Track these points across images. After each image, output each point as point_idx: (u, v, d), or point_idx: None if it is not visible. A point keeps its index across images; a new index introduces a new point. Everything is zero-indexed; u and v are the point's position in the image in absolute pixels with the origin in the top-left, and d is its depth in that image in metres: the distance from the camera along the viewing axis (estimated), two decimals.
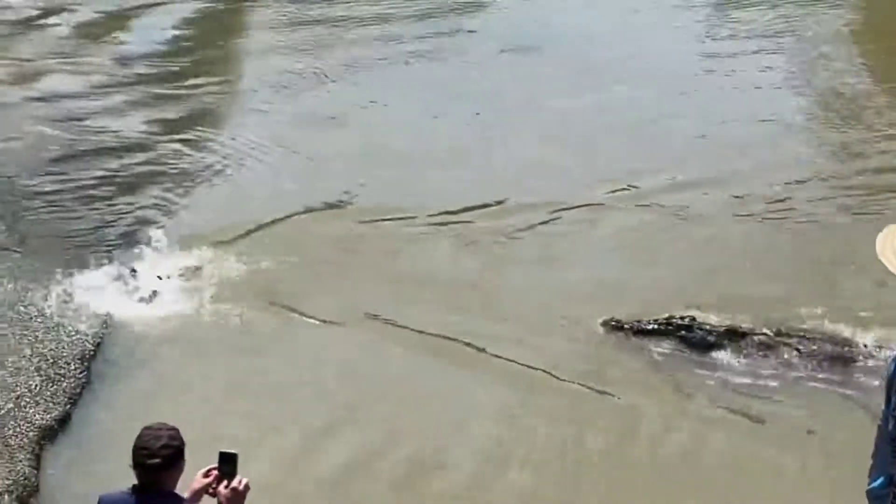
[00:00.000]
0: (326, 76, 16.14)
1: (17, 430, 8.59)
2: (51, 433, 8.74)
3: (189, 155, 13.65)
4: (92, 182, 12.78)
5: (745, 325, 10.28)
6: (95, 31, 17.66)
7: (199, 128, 14.49)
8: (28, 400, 8.93)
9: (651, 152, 13.70)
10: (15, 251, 11.24)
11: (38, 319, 10.01)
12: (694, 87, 15.81)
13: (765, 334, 10.20)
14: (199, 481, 5.31)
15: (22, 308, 10.15)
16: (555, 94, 15.36)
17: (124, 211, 12.23)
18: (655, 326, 10.29)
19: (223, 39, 17.95)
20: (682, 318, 10.30)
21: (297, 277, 11.15)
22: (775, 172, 13.18)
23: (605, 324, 10.36)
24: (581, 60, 16.57)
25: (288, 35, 17.83)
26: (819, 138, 14.34)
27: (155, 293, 10.67)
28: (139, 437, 5.26)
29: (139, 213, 12.21)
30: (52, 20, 17.99)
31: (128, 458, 5.34)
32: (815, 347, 10.07)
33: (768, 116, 14.78)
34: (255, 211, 12.33)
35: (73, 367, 9.43)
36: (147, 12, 18.72)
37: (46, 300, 10.35)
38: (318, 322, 10.48)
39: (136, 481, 5.26)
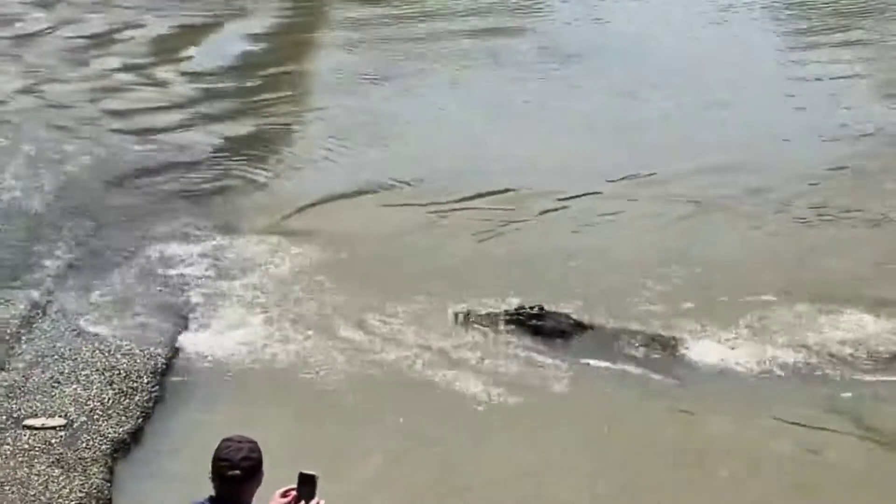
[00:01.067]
0: (386, 84, 16.21)
1: (91, 442, 8.61)
2: (123, 446, 8.74)
3: (259, 167, 13.68)
4: (164, 195, 12.81)
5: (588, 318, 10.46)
6: (167, 46, 17.80)
7: (270, 141, 14.54)
8: (101, 413, 8.95)
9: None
10: (89, 263, 11.30)
11: (111, 333, 10.04)
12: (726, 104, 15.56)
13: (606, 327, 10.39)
14: (276, 501, 5.24)
15: (95, 322, 10.18)
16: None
17: (196, 225, 12.25)
18: (507, 317, 10.40)
19: (293, 54, 18.01)
20: (531, 307, 10.41)
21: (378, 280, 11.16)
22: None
23: (456, 316, 10.41)
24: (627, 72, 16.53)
25: (356, 49, 17.87)
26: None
27: (228, 306, 10.65)
28: (219, 449, 5.21)
29: (211, 228, 12.21)
30: (125, 35, 18.16)
31: (200, 471, 5.30)
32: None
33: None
34: (329, 221, 12.39)
35: (145, 381, 9.44)
36: (217, 28, 18.85)
37: (120, 313, 10.38)
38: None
39: (211, 492, 5.21)
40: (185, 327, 10.39)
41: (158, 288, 10.96)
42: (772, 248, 12.06)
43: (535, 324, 10.36)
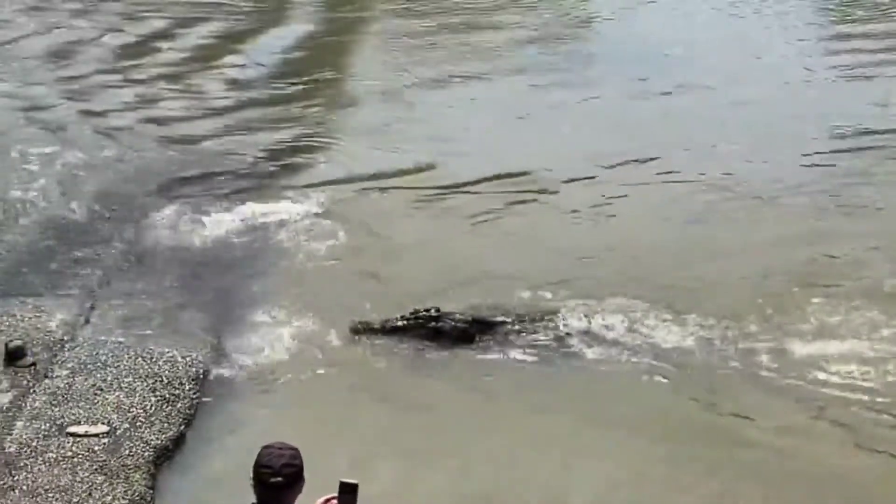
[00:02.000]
0: (424, 91, 16.21)
1: (133, 449, 8.63)
2: (166, 453, 8.75)
3: (299, 173, 13.70)
4: (204, 203, 12.84)
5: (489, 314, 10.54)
6: (206, 54, 17.85)
7: (308, 148, 14.56)
8: (143, 420, 8.97)
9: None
10: (132, 271, 11.35)
11: (153, 340, 10.07)
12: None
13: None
14: None
15: (137, 329, 10.21)
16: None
17: (237, 232, 12.27)
18: (404, 323, 10.40)
19: (332, 61, 18.02)
20: (426, 310, 10.43)
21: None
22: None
23: (353, 328, 10.40)
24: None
25: (396, 56, 17.87)
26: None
27: (270, 312, 10.66)
28: (260, 456, 5.20)
29: (251, 235, 12.23)
30: (163, 44, 18.23)
31: (242, 477, 5.29)
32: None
33: None
34: (369, 225, 12.39)
35: (187, 388, 9.46)
36: (256, 36, 18.88)
37: (161, 320, 10.41)
38: None
39: (253, 499, 5.20)
40: (227, 333, 10.40)
41: (200, 294, 10.99)
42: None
43: (434, 325, 10.38)
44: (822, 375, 9.87)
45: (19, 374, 9.52)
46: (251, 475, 5.17)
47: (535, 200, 13.06)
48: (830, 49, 17.88)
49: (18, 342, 9.73)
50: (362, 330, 10.41)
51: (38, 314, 10.19)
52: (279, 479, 5.11)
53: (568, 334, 10.41)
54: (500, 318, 10.53)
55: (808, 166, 13.76)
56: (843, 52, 17.55)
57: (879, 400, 9.57)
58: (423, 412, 9.46)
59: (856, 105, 15.40)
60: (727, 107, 15.47)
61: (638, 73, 16.66)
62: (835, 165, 13.77)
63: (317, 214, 12.75)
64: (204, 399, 9.48)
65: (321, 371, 9.98)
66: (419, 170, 13.81)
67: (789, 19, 19.29)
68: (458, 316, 10.45)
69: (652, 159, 13.93)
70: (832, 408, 9.47)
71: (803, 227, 12.31)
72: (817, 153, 14.06)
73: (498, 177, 13.50)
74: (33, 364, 9.58)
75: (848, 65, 16.91)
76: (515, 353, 10.25)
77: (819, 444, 9.10)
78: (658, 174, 13.56)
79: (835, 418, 9.37)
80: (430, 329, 10.35)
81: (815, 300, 10.84)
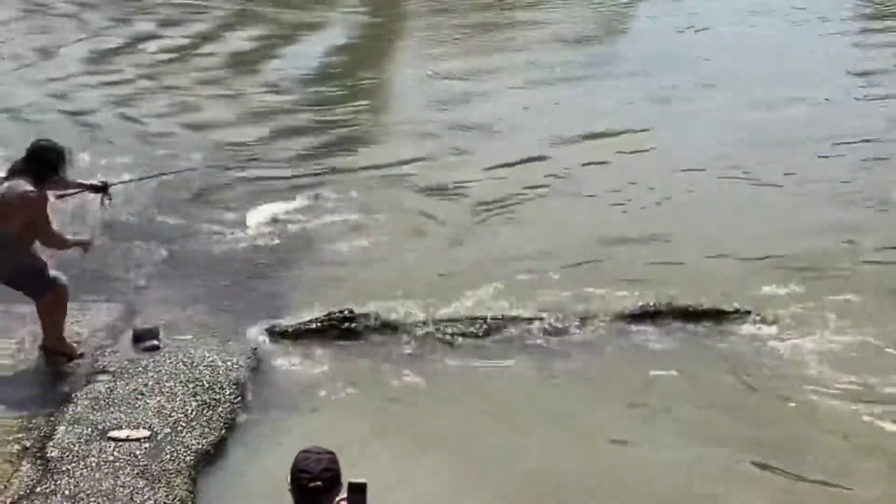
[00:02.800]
0: (465, 93, 16.18)
1: (174, 454, 8.62)
2: (207, 458, 8.75)
3: (343, 180, 13.70)
4: (246, 208, 12.86)
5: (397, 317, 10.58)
6: (247, 58, 17.92)
7: (351, 152, 14.56)
8: (184, 425, 8.97)
9: None
10: (173, 276, 11.37)
11: (194, 344, 10.08)
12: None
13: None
14: None
15: (178, 333, 10.23)
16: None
17: (279, 236, 12.27)
18: (318, 325, 10.41)
19: (374, 65, 18.05)
20: (340, 311, 10.45)
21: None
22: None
23: (268, 332, 10.38)
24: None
25: (438, 61, 17.86)
26: None
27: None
28: (298, 460, 5.22)
29: (294, 240, 12.23)
30: (204, 49, 18.30)
31: (283, 482, 5.28)
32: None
33: None
34: (413, 231, 12.45)
35: (228, 392, 9.45)
36: (297, 40, 18.96)
37: (203, 325, 10.43)
38: None
39: None
40: (268, 338, 10.40)
41: (241, 299, 11.00)
42: None
43: (347, 326, 10.42)
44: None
45: (142, 355, 9.78)
46: (288, 480, 5.17)
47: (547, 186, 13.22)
48: None
49: (147, 325, 10.05)
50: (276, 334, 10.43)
51: (79, 319, 10.21)
52: (318, 483, 5.12)
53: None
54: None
55: None
56: None
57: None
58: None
59: None
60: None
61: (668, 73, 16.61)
62: None
63: (359, 218, 12.75)
64: (244, 404, 9.47)
65: (363, 377, 9.96)
66: (468, 176, 13.80)
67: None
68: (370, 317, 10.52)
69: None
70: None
71: None
72: None
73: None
74: (157, 347, 9.83)
75: None
76: None
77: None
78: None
79: None
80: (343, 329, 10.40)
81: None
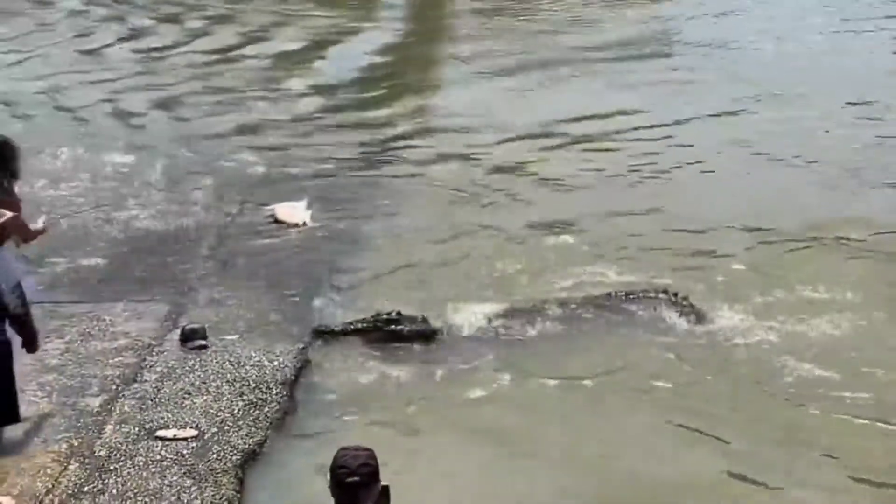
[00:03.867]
0: (510, 97, 16.16)
1: (221, 454, 8.64)
2: (253, 457, 8.76)
3: (388, 182, 13.70)
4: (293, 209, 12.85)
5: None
6: (293, 59, 17.96)
7: (398, 154, 14.56)
8: (231, 424, 8.98)
9: None
10: (218, 276, 11.41)
11: (240, 344, 10.10)
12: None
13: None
14: None
15: (224, 333, 10.25)
16: None
17: (323, 237, 12.27)
18: (365, 326, 10.37)
19: (419, 66, 18.05)
20: (388, 313, 10.40)
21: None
22: None
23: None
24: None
25: (481, 61, 17.83)
26: None
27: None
28: (337, 457, 5.26)
29: (337, 240, 12.22)
30: (250, 50, 18.37)
31: (326, 482, 5.29)
32: None
33: None
34: (458, 232, 12.42)
35: (274, 392, 9.46)
36: (343, 41, 18.99)
37: (249, 325, 10.45)
38: None
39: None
40: (314, 338, 10.40)
41: (286, 299, 11.01)
42: None
43: (394, 328, 10.37)
44: None
45: (189, 354, 9.81)
46: (328, 477, 5.20)
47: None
48: None
49: (194, 325, 10.06)
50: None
51: (126, 319, 10.24)
52: (356, 478, 5.17)
53: None
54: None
55: None
56: None
57: None
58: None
59: None
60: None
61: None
62: None
63: (405, 220, 12.74)
64: (291, 403, 9.48)
65: (409, 378, 9.95)
66: (519, 178, 13.78)
67: None
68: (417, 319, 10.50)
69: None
70: None
71: None
72: None
73: None
74: (204, 346, 9.85)
75: None
76: None
77: None
78: None
79: None
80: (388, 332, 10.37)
81: None
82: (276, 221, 12.39)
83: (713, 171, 13.70)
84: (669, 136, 14.77)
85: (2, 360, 8.34)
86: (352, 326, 10.45)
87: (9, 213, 8.38)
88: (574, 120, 15.43)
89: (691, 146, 14.44)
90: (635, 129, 15.08)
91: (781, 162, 13.86)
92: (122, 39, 18.80)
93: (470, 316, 10.64)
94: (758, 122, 15.15)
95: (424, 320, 10.48)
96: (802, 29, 19.12)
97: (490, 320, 10.59)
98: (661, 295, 10.76)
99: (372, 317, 10.50)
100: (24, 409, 8.55)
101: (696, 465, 8.72)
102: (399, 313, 10.46)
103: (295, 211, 12.57)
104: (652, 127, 15.07)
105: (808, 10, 20.34)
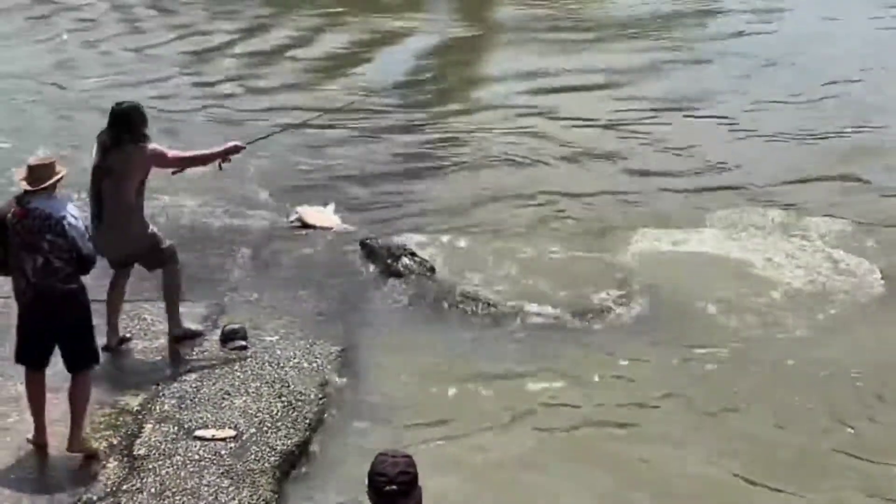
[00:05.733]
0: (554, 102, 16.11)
1: (259, 454, 8.65)
2: (291, 458, 8.76)
3: (431, 183, 13.68)
4: (334, 210, 12.85)
5: None
6: (337, 61, 17.97)
7: (439, 154, 14.54)
8: (270, 425, 8.98)
9: None
10: (259, 278, 11.43)
11: (280, 345, 10.10)
12: None
13: None
14: None
15: (264, 334, 10.25)
16: None
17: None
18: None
19: (463, 68, 18.02)
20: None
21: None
22: None
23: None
24: None
25: (526, 63, 17.77)
26: None
27: (397, 321, 10.64)
28: (375, 464, 5.18)
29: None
30: (295, 52, 18.38)
31: (364, 485, 5.25)
32: None
33: None
34: (499, 225, 12.44)
35: (313, 394, 9.46)
36: (387, 43, 18.98)
37: (289, 326, 10.45)
38: None
39: None
40: (354, 340, 10.40)
41: (327, 302, 11.01)
42: None
43: None
44: None
45: (230, 355, 9.83)
46: (367, 483, 5.15)
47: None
48: None
49: (234, 325, 10.07)
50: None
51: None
52: (394, 486, 5.08)
53: None
54: None
55: None
56: None
57: None
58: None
59: None
60: None
61: None
62: None
63: (446, 219, 12.71)
64: (329, 405, 9.47)
65: (450, 381, 9.93)
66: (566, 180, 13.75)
67: None
68: None
69: None
70: None
71: None
72: None
73: None
74: (244, 347, 9.87)
75: None
76: None
77: None
78: None
79: None
80: None
81: None
82: (304, 226, 12.34)
83: None
84: None
85: (83, 306, 8.39)
86: (392, 328, 10.43)
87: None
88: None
89: None
90: None
91: None
92: (167, 41, 18.87)
93: (517, 320, 10.71)
94: None
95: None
96: None
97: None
98: None
99: None
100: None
101: None
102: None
103: (322, 215, 12.53)
104: None
105: None
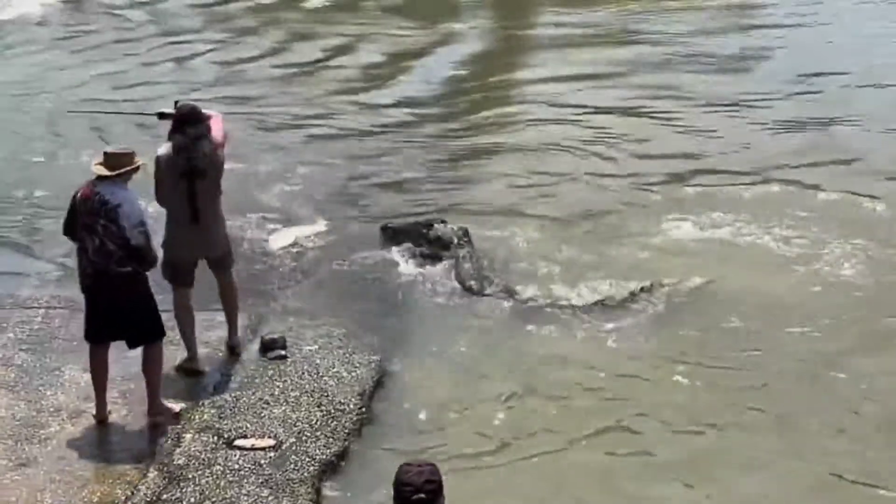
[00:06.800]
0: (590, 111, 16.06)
1: (299, 464, 8.67)
2: (331, 468, 8.76)
3: (468, 193, 13.66)
4: (373, 219, 12.84)
5: None
6: (378, 72, 17.98)
7: (477, 164, 14.52)
8: (309, 435, 8.99)
9: None
10: (298, 288, 11.45)
11: (319, 355, 10.10)
12: None
13: None
14: None
15: (303, 344, 10.26)
16: None
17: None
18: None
19: (502, 78, 17.97)
20: None
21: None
22: None
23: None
24: None
25: (563, 73, 17.71)
26: None
27: (441, 331, 10.63)
28: (400, 473, 5.27)
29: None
30: (337, 62, 18.42)
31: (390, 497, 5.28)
32: None
33: None
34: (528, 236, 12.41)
35: (352, 404, 9.45)
36: (428, 53, 18.97)
37: (328, 336, 10.46)
38: None
39: None
40: (393, 348, 10.40)
41: (366, 311, 11.02)
42: None
43: None
44: None
45: (269, 364, 9.89)
46: (392, 493, 5.19)
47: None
48: None
49: (274, 335, 10.13)
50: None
51: (207, 329, 10.28)
52: (421, 495, 5.15)
53: None
54: None
55: None
56: None
57: None
58: None
59: None
60: None
61: None
62: None
63: (487, 230, 12.69)
64: (369, 415, 9.46)
65: (487, 393, 9.89)
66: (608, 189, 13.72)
67: None
68: None
69: None
70: None
71: None
72: None
73: None
74: (284, 356, 9.92)
75: None
76: None
77: None
78: None
79: None
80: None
81: None
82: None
83: None
84: None
85: (141, 287, 8.72)
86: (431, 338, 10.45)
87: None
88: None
89: None
90: None
91: None
92: (207, 50, 18.94)
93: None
94: None
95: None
96: None
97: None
98: None
99: None
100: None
101: None
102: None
103: None
104: None
105: None
